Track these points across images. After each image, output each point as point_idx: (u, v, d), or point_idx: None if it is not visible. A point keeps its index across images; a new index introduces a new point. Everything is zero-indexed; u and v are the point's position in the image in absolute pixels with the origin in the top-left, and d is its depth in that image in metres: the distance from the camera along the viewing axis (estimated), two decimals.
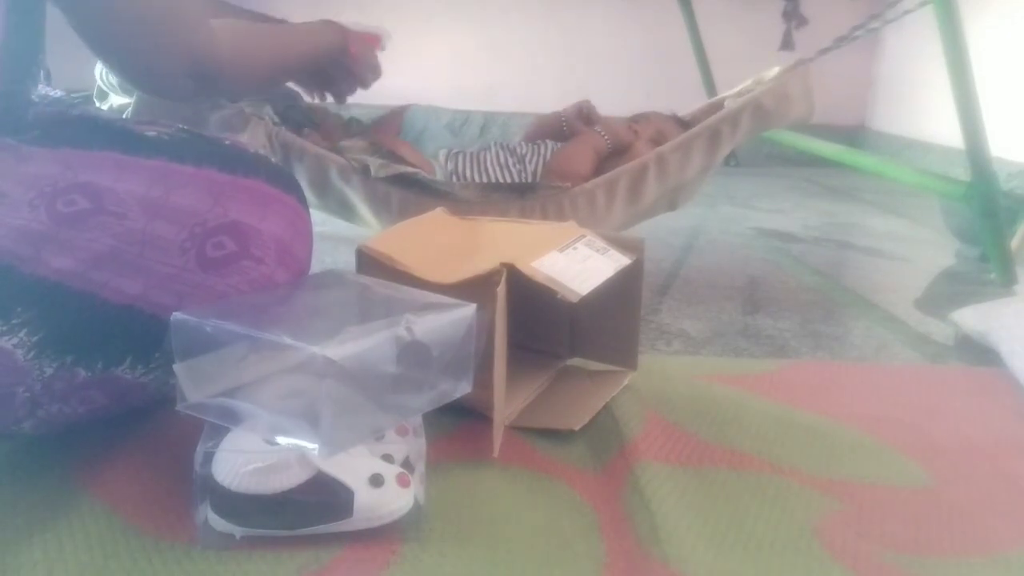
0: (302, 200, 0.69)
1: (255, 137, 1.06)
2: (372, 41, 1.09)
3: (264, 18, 1.05)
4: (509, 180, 1.16)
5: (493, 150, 1.20)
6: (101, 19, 0.65)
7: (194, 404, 0.56)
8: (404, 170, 1.09)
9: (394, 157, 1.13)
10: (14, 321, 0.55)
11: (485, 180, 1.15)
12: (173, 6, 0.69)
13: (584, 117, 1.29)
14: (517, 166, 1.18)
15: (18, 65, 0.61)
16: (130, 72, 0.71)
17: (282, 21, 1.04)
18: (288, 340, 0.52)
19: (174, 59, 0.69)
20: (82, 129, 0.61)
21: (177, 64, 0.70)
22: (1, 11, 0.60)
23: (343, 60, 1.02)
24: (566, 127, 1.28)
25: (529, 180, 1.17)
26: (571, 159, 1.17)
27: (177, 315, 0.55)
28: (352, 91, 1.09)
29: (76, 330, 0.57)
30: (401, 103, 1.33)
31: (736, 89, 1.28)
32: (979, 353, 1.01)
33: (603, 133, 1.20)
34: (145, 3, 0.66)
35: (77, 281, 0.56)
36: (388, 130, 1.26)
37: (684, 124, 1.24)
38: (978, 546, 0.61)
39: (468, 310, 0.61)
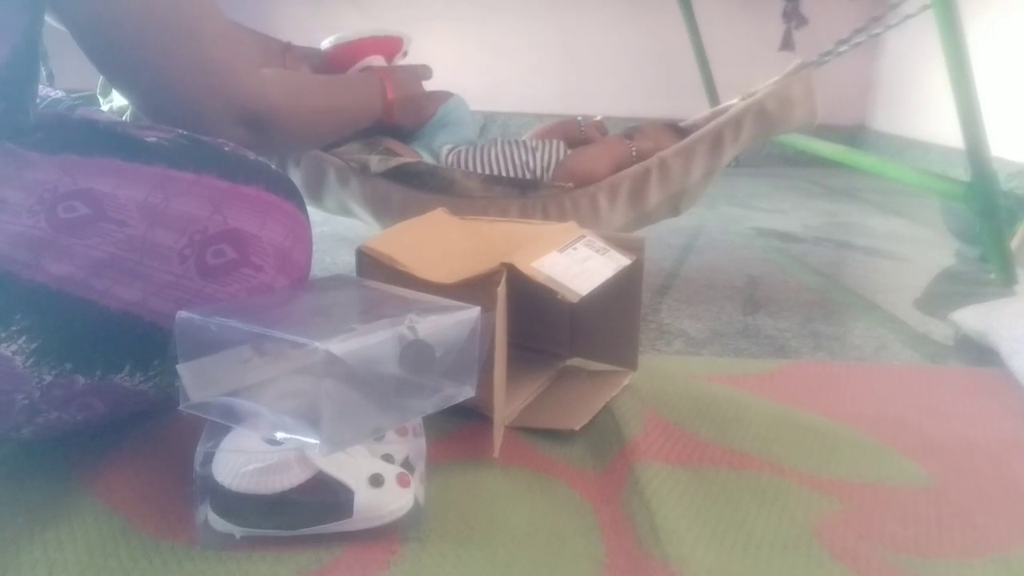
0: (302, 207, 0.69)
1: None
2: (389, 46, 1.10)
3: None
4: (513, 174, 1.15)
5: (499, 144, 1.19)
6: (139, 61, 0.64)
7: (197, 404, 0.56)
8: (404, 161, 1.09)
9: (391, 153, 1.13)
10: (13, 328, 0.55)
11: (488, 172, 1.15)
12: (221, 46, 0.68)
13: (601, 130, 1.29)
14: (523, 157, 1.16)
15: (21, 79, 0.61)
16: (174, 119, 0.69)
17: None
18: (291, 336, 0.52)
19: (221, 106, 0.68)
20: (83, 134, 0.61)
21: (223, 108, 0.68)
22: (10, 34, 0.60)
23: (384, 113, 1.04)
24: (583, 129, 1.28)
25: (537, 174, 1.16)
26: (593, 161, 1.15)
27: (182, 313, 0.55)
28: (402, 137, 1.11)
29: (75, 337, 0.57)
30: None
31: (736, 99, 1.27)
32: (979, 353, 1.01)
33: (633, 148, 1.18)
34: (191, 43, 0.65)
35: (76, 288, 0.56)
36: (419, 112, 1.25)
37: (681, 133, 1.23)
38: (978, 546, 0.61)
39: (472, 312, 0.61)
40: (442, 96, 1.24)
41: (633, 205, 1.13)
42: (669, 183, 1.13)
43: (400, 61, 1.21)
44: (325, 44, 1.18)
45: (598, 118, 1.31)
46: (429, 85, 1.19)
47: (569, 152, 1.18)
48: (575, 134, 1.28)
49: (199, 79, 0.67)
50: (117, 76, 0.67)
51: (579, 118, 1.29)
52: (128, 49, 0.64)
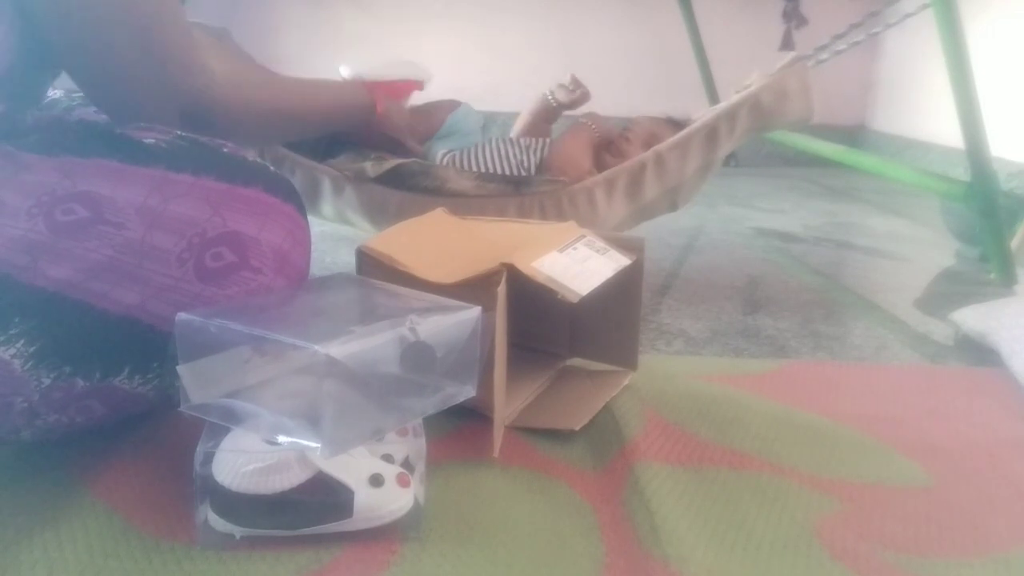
0: (301, 208, 0.69)
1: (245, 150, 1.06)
2: (405, 89, 1.10)
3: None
4: (508, 171, 1.15)
5: (493, 143, 1.19)
6: (80, 42, 0.63)
7: (197, 405, 0.56)
8: (400, 161, 1.09)
9: (384, 159, 1.13)
10: (12, 331, 0.55)
11: (483, 170, 1.15)
12: (170, 37, 0.66)
13: (572, 95, 1.28)
14: (519, 156, 1.17)
15: (25, 83, 0.61)
16: (113, 102, 0.67)
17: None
18: (292, 339, 0.52)
19: (161, 94, 0.66)
20: (81, 136, 0.61)
21: (169, 101, 0.67)
22: (12, 36, 0.60)
23: (371, 121, 1.02)
24: (552, 100, 1.28)
25: (531, 171, 1.16)
26: (570, 152, 1.16)
27: (182, 315, 0.55)
28: (384, 149, 1.10)
29: (74, 340, 0.57)
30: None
31: (734, 94, 1.28)
32: (979, 353, 1.01)
33: (590, 122, 1.20)
34: (131, 27, 0.64)
35: (75, 291, 0.56)
36: (428, 123, 1.23)
37: (678, 125, 1.23)
38: (978, 546, 0.61)
39: (473, 312, 0.61)
40: (449, 106, 1.24)
41: (631, 199, 1.13)
42: (666, 176, 1.13)
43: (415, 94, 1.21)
44: (344, 71, 1.18)
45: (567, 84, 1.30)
46: (434, 91, 1.19)
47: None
48: (549, 108, 1.28)
49: (142, 63, 0.65)
50: (63, 55, 0.65)
51: (549, 96, 1.29)
52: (73, 26, 0.62)
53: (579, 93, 1.26)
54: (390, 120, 1.05)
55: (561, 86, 1.27)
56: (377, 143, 1.12)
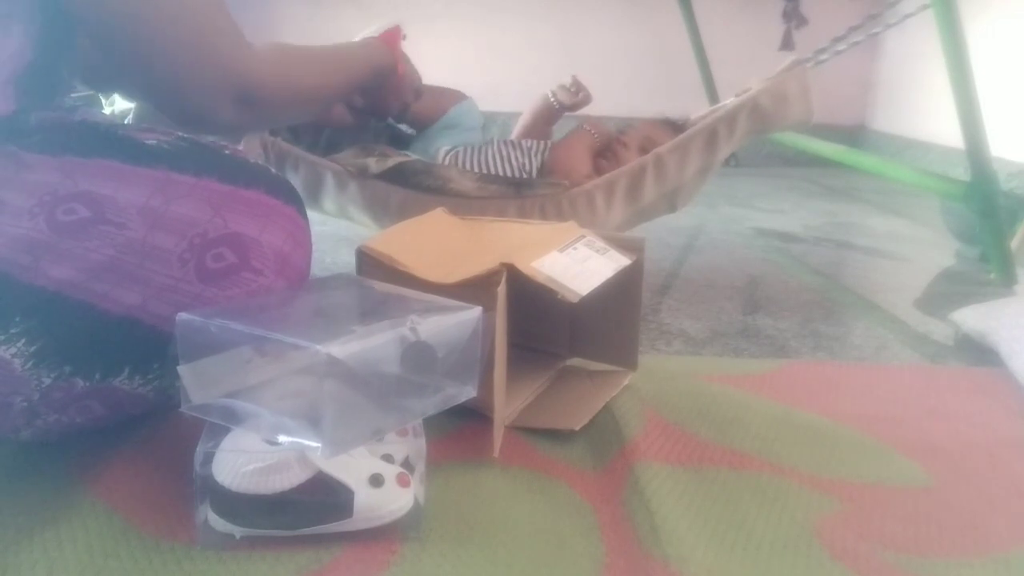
0: (302, 210, 0.69)
1: (250, 145, 1.06)
2: (393, 36, 1.10)
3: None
4: (509, 173, 1.16)
5: (495, 144, 1.19)
6: (133, 40, 0.63)
7: (198, 405, 0.56)
8: (402, 160, 1.09)
9: (387, 156, 1.13)
10: (12, 331, 0.55)
11: (484, 171, 1.15)
12: (212, 22, 0.65)
13: (574, 98, 1.27)
14: (520, 159, 1.17)
15: (45, 82, 0.61)
16: (167, 99, 0.67)
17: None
18: (292, 339, 0.52)
19: (215, 80, 0.66)
20: (83, 136, 0.61)
21: (218, 85, 0.66)
22: (34, 31, 0.60)
23: (391, 81, 1.01)
24: (555, 102, 1.28)
25: (532, 174, 1.16)
26: (569, 156, 1.17)
27: (183, 315, 0.55)
28: (396, 112, 1.09)
29: (74, 340, 0.57)
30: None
31: (733, 97, 1.28)
32: (979, 353, 1.01)
33: (590, 128, 1.20)
34: (182, 20, 0.63)
35: (76, 291, 0.56)
36: (433, 104, 1.21)
37: (675, 127, 1.23)
38: (978, 546, 0.61)
39: (474, 313, 0.61)
40: (456, 96, 1.24)
41: (630, 201, 1.13)
42: (665, 179, 1.13)
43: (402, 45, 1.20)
44: None
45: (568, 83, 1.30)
46: (434, 84, 1.19)
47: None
48: (551, 109, 1.28)
49: (192, 53, 0.64)
50: (112, 55, 0.65)
51: (551, 97, 1.29)
52: (124, 25, 0.62)
53: (581, 96, 1.26)
54: (410, 79, 1.05)
55: (563, 87, 1.27)
56: (393, 103, 1.11)
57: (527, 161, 1.17)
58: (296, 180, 1.10)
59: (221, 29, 0.67)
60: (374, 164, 1.08)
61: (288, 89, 0.75)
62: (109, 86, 0.94)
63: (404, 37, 1.11)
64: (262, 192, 0.64)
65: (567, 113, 1.31)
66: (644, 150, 1.16)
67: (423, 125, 1.23)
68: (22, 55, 0.59)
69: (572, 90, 1.27)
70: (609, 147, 1.20)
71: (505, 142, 1.21)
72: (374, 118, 1.16)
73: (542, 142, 1.22)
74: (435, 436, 0.70)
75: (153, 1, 0.63)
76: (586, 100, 1.27)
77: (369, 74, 0.96)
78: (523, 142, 1.22)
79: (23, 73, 0.60)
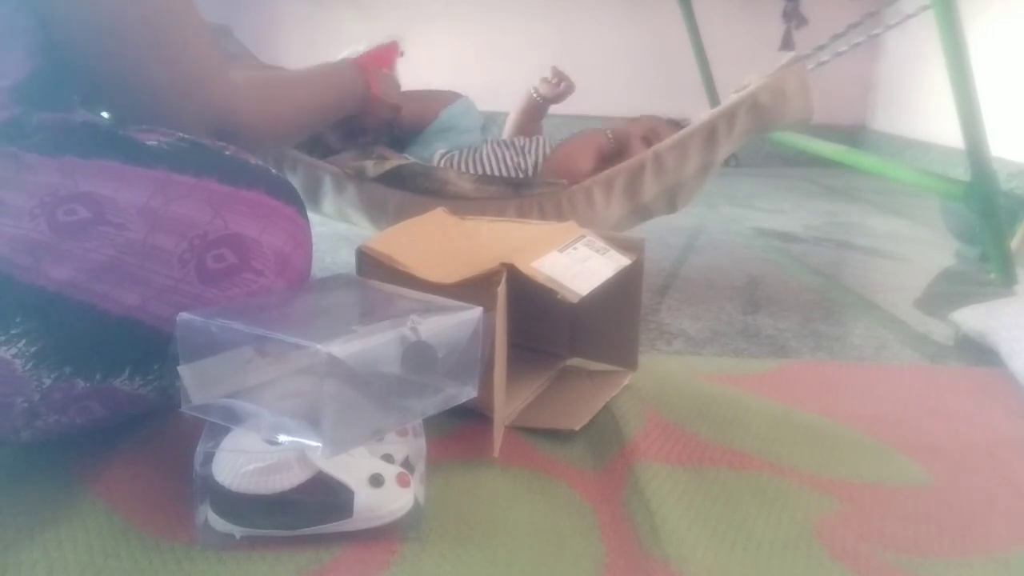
0: (302, 211, 0.69)
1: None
2: (389, 55, 1.09)
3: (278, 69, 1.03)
4: (505, 174, 1.15)
5: (489, 146, 1.19)
6: (116, 65, 0.64)
7: (198, 405, 0.56)
8: (401, 163, 1.09)
9: (385, 158, 1.13)
10: (13, 331, 0.55)
11: (480, 172, 1.15)
12: (194, 53, 0.66)
13: (556, 89, 1.27)
14: (515, 159, 1.17)
15: (49, 90, 0.62)
16: (145, 120, 0.67)
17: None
18: (293, 339, 0.52)
19: (194, 113, 0.67)
20: (84, 137, 0.61)
21: (198, 117, 0.67)
22: (38, 39, 0.60)
23: (366, 105, 1.01)
24: (537, 96, 1.27)
25: (528, 173, 1.16)
26: (573, 155, 1.16)
27: (183, 315, 0.55)
28: (375, 132, 1.08)
29: (75, 341, 0.57)
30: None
31: (735, 88, 1.28)
32: (979, 353, 1.01)
33: (608, 132, 1.19)
34: (163, 48, 0.64)
35: (76, 292, 0.56)
36: (420, 110, 1.20)
37: (678, 125, 1.23)
38: (978, 546, 0.61)
39: (474, 313, 0.61)
40: (447, 97, 1.23)
41: (629, 198, 1.13)
42: (664, 176, 1.13)
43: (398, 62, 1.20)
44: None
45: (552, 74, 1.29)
46: (433, 84, 1.19)
47: (552, 147, 1.19)
48: (535, 106, 1.28)
49: (174, 86, 0.66)
50: (93, 76, 0.66)
51: (533, 93, 1.28)
52: (105, 50, 0.63)
53: (563, 87, 1.26)
54: (385, 102, 1.04)
55: (544, 80, 1.27)
56: (372, 125, 1.10)
57: (522, 160, 1.17)
58: (294, 182, 1.10)
59: (203, 59, 0.68)
60: (372, 167, 1.08)
61: (266, 122, 0.77)
62: (100, 104, 0.95)
63: (402, 54, 1.11)
64: (263, 193, 0.65)
65: (553, 105, 1.30)
66: (647, 141, 1.16)
67: (414, 132, 1.22)
68: (23, 65, 0.60)
69: (553, 82, 1.26)
70: (620, 152, 1.19)
71: (498, 142, 1.21)
72: (359, 139, 1.15)
73: (536, 140, 1.22)
74: (435, 436, 0.70)
75: (135, 26, 0.63)
76: (568, 90, 1.26)
77: (339, 106, 0.97)
78: (515, 141, 1.22)
79: (25, 80, 0.60)
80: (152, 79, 0.65)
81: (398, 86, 1.10)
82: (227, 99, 0.69)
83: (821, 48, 1.67)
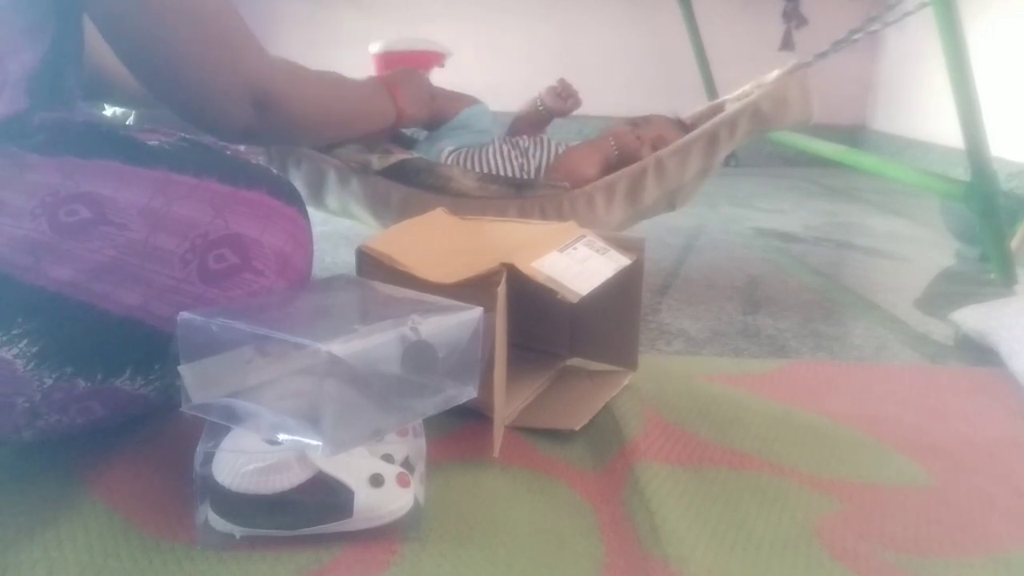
0: (303, 211, 0.69)
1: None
2: (428, 60, 1.10)
3: None
4: (510, 173, 1.16)
5: (496, 144, 1.19)
6: (158, 43, 0.64)
7: (198, 405, 0.56)
8: (405, 157, 1.09)
9: (390, 153, 1.13)
10: (14, 331, 0.55)
11: (486, 171, 1.15)
12: (235, 29, 0.68)
13: (559, 96, 1.27)
14: (520, 159, 1.18)
15: (57, 80, 0.62)
16: (189, 101, 0.69)
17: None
18: (293, 338, 0.52)
19: (236, 83, 0.68)
20: (85, 137, 0.61)
21: (239, 87, 0.68)
22: (49, 24, 0.60)
23: (395, 124, 1.03)
24: (543, 109, 1.27)
25: (532, 175, 1.17)
26: (580, 163, 1.16)
27: (184, 315, 0.56)
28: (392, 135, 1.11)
29: (76, 341, 0.57)
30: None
31: (737, 92, 1.28)
32: (979, 353, 1.01)
33: (612, 142, 1.20)
34: (206, 25, 0.65)
35: (78, 292, 0.56)
36: (445, 107, 1.21)
37: (686, 127, 1.24)
38: (978, 546, 0.61)
39: (475, 313, 0.61)
40: (466, 100, 1.24)
41: (630, 202, 1.14)
42: (665, 180, 1.13)
43: (434, 73, 1.22)
44: (374, 48, 1.20)
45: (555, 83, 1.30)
46: (433, 84, 1.19)
47: (560, 152, 1.19)
48: (538, 115, 1.28)
49: (213, 54, 0.66)
50: (131, 53, 0.66)
51: (538, 104, 1.28)
52: (143, 26, 0.64)
53: (570, 103, 1.26)
54: (413, 116, 1.06)
55: (552, 91, 1.27)
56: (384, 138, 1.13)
57: (526, 162, 1.18)
58: (298, 176, 1.11)
59: (243, 36, 0.69)
60: (376, 161, 1.08)
61: (301, 100, 0.78)
62: (100, 95, 0.95)
63: (441, 66, 1.13)
64: (263, 193, 0.65)
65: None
66: (655, 148, 1.17)
67: (432, 120, 1.23)
68: (32, 62, 0.60)
69: (562, 95, 1.26)
70: (623, 160, 1.19)
71: (505, 141, 1.21)
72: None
73: (541, 142, 1.22)
74: (435, 436, 0.70)
75: (180, 7, 0.64)
76: (575, 106, 1.26)
77: (366, 113, 0.98)
78: (521, 142, 1.22)
79: (31, 76, 0.60)
80: (196, 53, 0.66)
81: (429, 85, 1.12)
82: (262, 71, 0.71)
83: (822, 55, 1.67)
